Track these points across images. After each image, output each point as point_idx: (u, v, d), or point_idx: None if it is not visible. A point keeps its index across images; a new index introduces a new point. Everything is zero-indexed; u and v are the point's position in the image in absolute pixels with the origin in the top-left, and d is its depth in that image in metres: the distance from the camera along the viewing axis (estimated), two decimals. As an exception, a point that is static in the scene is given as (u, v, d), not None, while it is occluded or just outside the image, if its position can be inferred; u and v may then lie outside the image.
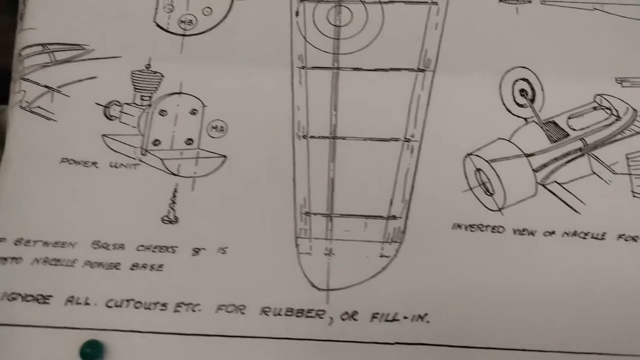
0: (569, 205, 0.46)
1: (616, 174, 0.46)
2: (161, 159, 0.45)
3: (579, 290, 0.43)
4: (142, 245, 0.45)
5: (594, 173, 0.45)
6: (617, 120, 0.46)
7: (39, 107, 0.46)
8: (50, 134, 0.46)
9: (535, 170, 0.46)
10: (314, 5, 0.49)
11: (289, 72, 0.48)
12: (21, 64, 0.47)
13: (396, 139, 0.46)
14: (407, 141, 0.46)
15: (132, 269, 0.45)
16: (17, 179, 0.45)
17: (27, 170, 0.45)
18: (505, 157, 0.45)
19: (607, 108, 0.46)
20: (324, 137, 0.46)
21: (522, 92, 0.46)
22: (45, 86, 0.47)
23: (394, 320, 0.44)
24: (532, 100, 0.46)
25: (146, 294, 0.44)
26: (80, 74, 0.48)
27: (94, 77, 0.47)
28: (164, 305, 0.44)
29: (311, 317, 0.44)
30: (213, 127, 0.46)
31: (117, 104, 0.47)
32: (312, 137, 0.46)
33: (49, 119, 0.46)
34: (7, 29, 0.51)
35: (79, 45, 0.48)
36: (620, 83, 0.46)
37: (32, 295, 0.44)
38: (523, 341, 0.43)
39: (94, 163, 0.45)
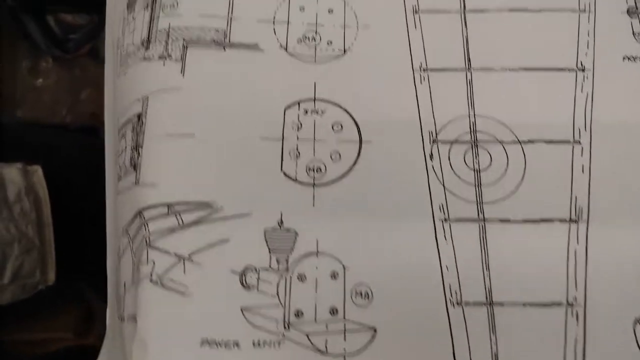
0: None
1: None
2: (306, 334, 0.33)
3: None
4: None
5: None
6: None
7: (171, 280, 0.33)
8: (187, 312, 0.34)
9: None
10: (449, 147, 0.36)
11: (431, 225, 0.36)
12: (145, 228, 0.34)
13: (558, 303, 0.35)
14: (571, 305, 0.33)
15: None
16: (156, 368, 0.32)
17: (165, 357, 0.31)
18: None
19: None
20: (480, 304, 0.34)
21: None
22: (176, 254, 0.33)
23: None
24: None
25: None
26: (211, 237, 0.35)
27: (226, 240, 0.34)
28: None
29: None
30: (357, 293, 0.35)
31: (254, 270, 0.33)
32: (467, 303, 0.33)
33: (183, 293, 0.33)
34: None
35: (206, 203, 0.35)
36: None
37: None
38: None
39: (236, 343, 0.33)
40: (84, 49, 0.64)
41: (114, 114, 0.41)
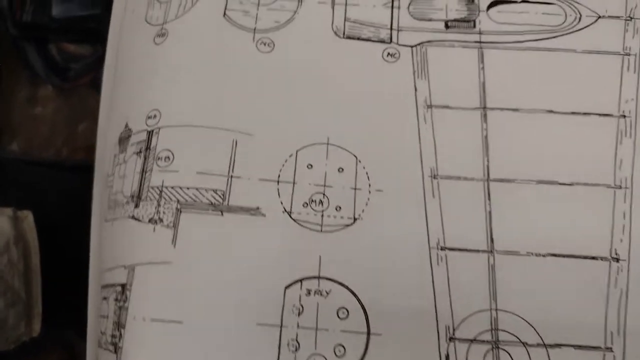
0: None
1: None
2: None
3: None
4: None
5: None
6: None
7: None
8: None
9: None
10: (467, 347, 0.25)
11: None
12: None
13: None
14: None
15: None
16: None
17: None
18: None
19: None
20: None
21: None
22: None
23: None
24: None
25: None
26: None
27: None
28: None
29: None
30: None
31: None
32: None
33: None
34: None
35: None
36: None
37: None
38: None
39: None
40: (85, 79, 0.56)
41: (99, 265, 0.29)
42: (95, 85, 0.46)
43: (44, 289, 0.46)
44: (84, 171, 0.38)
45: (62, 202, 0.46)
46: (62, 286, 0.42)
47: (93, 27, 0.52)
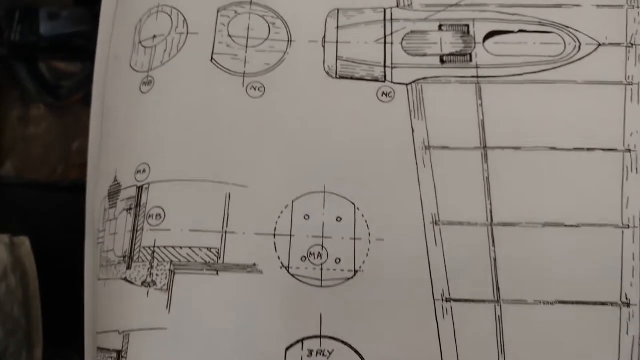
0: None
1: None
2: None
3: None
4: None
5: None
6: None
7: None
8: None
9: None
10: None
11: None
12: None
13: None
14: None
15: None
16: None
17: None
18: None
19: None
20: None
21: None
22: None
23: None
24: None
25: None
26: None
27: None
28: None
29: None
30: None
31: None
32: None
33: None
34: None
35: None
36: None
37: None
38: None
39: None
40: (77, 96, 0.54)
41: (93, 325, 0.27)
42: (88, 102, 0.45)
43: (43, 309, 0.44)
44: (79, 190, 0.36)
45: (58, 223, 0.44)
46: (61, 305, 0.39)
47: (82, 44, 0.50)
